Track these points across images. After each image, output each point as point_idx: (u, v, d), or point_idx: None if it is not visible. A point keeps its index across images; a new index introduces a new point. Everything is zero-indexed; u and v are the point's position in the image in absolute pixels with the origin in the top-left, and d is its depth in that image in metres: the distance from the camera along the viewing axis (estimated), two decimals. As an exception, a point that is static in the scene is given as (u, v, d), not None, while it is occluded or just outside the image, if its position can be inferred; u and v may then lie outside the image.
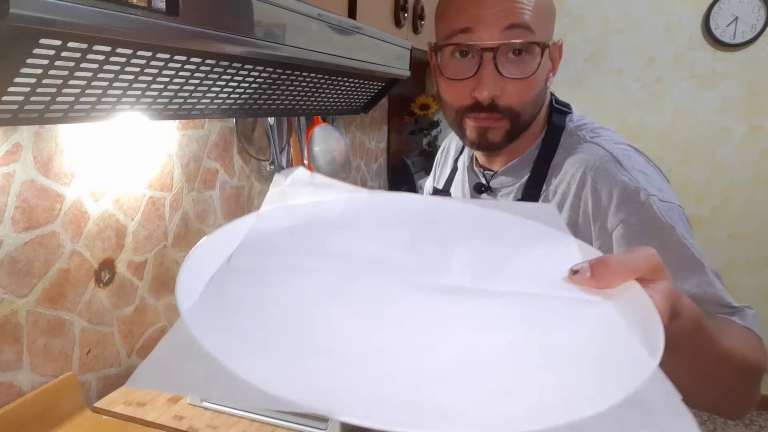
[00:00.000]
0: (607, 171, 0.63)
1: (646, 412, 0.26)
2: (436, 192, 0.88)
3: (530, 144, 0.71)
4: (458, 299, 0.35)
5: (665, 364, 0.49)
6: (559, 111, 0.73)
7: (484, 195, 0.76)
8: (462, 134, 0.69)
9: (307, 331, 0.32)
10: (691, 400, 0.54)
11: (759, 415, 2.42)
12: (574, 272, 0.36)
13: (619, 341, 0.31)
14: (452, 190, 0.83)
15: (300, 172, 0.51)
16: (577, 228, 0.65)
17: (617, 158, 0.64)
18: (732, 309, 0.58)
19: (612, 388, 0.27)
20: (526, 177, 0.70)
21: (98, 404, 0.89)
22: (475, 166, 0.78)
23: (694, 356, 0.46)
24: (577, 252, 0.41)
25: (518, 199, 0.70)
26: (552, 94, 0.75)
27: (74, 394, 0.88)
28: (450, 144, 0.93)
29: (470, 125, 0.66)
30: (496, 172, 0.74)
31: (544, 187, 0.68)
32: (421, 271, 0.38)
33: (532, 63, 0.63)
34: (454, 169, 0.85)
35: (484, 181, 0.76)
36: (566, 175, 0.66)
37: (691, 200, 2.37)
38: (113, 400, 0.90)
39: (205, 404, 0.88)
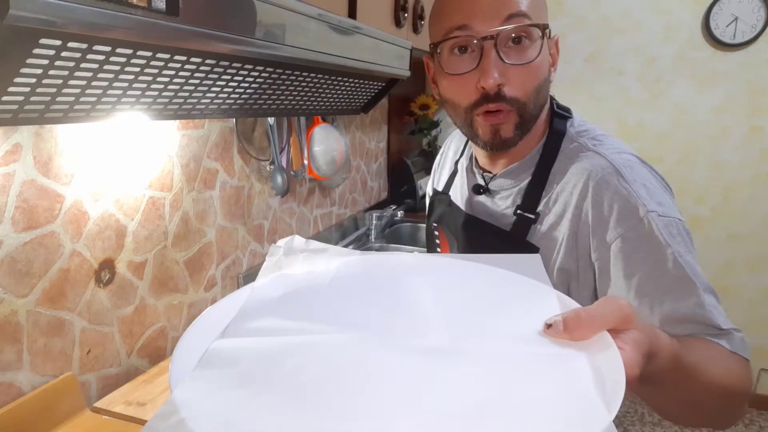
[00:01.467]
0: (609, 183, 0.63)
1: None
2: (435, 194, 0.87)
3: (531, 148, 0.71)
4: (435, 360, 0.38)
5: (649, 397, 0.51)
6: (559, 116, 0.72)
7: (482, 197, 0.76)
8: (474, 135, 0.68)
9: (295, 407, 0.34)
10: (675, 421, 0.55)
11: (759, 415, 2.42)
12: (548, 326, 0.38)
13: (582, 397, 0.33)
14: (452, 192, 0.83)
15: (296, 241, 0.54)
16: (577, 239, 0.64)
17: (619, 170, 0.63)
18: (720, 331, 0.59)
19: None
20: (527, 181, 0.70)
21: (98, 404, 0.89)
22: (474, 168, 0.78)
23: (677, 388, 0.49)
24: (555, 305, 0.43)
25: (518, 204, 0.70)
26: (552, 98, 0.74)
27: (74, 394, 0.88)
28: (449, 146, 0.92)
29: (481, 124, 0.66)
30: (495, 175, 0.74)
31: (544, 193, 0.68)
32: (403, 334, 0.42)
33: (534, 48, 0.62)
34: (454, 172, 0.85)
35: (482, 183, 0.75)
36: (568, 184, 0.66)
37: (691, 200, 2.37)
38: (113, 400, 0.90)
39: (205, 404, 0.88)
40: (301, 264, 0.52)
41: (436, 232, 0.85)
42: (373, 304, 0.46)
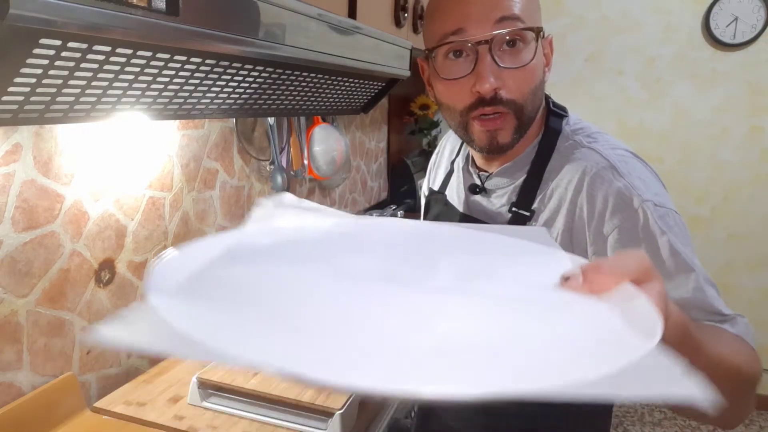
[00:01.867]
0: (603, 177, 0.63)
1: (648, 378, 0.26)
2: (432, 193, 0.87)
3: (527, 146, 0.71)
4: (446, 295, 0.35)
5: None
6: (555, 114, 0.72)
7: (478, 196, 0.76)
8: (470, 139, 0.68)
9: (278, 302, 0.32)
10: (682, 410, 0.54)
11: (759, 415, 2.42)
12: (566, 279, 0.36)
13: (615, 328, 0.31)
14: (448, 191, 0.83)
15: (287, 197, 0.50)
16: (572, 234, 0.65)
17: (614, 164, 0.64)
18: (723, 317, 0.58)
19: (609, 360, 0.26)
20: (522, 179, 0.70)
21: (98, 404, 0.89)
22: (470, 167, 0.78)
23: (685, 360, 0.46)
24: (568, 263, 0.41)
25: (513, 202, 0.70)
26: (548, 97, 0.75)
27: (74, 394, 0.88)
28: (445, 146, 0.92)
29: (478, 129, 0.65)
30: (491, 174, 0.74)
31: (539, 190, 0.68)
32: (409, 276, 0.38)
33: (528, 51, 0.62)
34: (451, 171, 0.85)
35: (478, 182, 0.76)
36: (563, 180, 0.66)
37: (691, 200, 2.37)
38: (113, 400, 0.90)
39: (205, 404, 0.88)
40: (291, 218, 0.48)
41: None
42: (374, 255, 0.42)
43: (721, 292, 0.62)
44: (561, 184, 0.66)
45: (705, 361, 0.47)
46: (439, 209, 0.83)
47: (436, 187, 0.87)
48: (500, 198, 0.73)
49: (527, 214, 0.68)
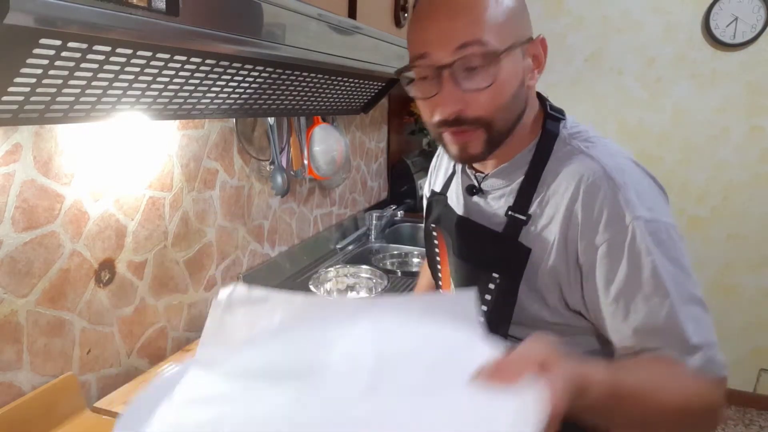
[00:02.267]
0: (599, 187, 0.63)
1: None
2: (433, 195, 0.88)
3: (522, 148, 0.71)
4: (357, 404, 0.41)
5: (595, 421, 0.53)
6: (552, 117, 0.72)
7: (475, 197, 0.76)
8: (445, 148, 0.70)
9: None
10: None
11: (759, 414, 2.42)
12: (477, 373, 0.40)
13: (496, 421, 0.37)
14: (449, 193, 0.83)
15: (237, 292, 0.55)
16: (567, 241, 0.65)
17: (610, 173, 0.64)
18: (688, 348, 0.59)
19: None
20: (519, 181, 0.70)
21: (98, 404, 0.90)
22: (467, 168, 0.79)
23: (621, 413, 0.51)
24: (483, 349, 0.45)
25: (510, 205, 0.70)
26: (546, 99, 0.74)
27: (74, 394, 0.88)
28: None
29: (449, 139, 0.67)
30: (486, 174, 0.74)
31: (536, 194, 0.69)
32: (332, 387, 0.44)
33: (490, 72, 0.63)
34: (453, 173, 0.85)
35: (475, 183, 0.76)
36: (560, 186, 0.67)
37: (691, 200, 2.37)
38: (113, 400, 0.90)
39: (205, 404, 0.88)
40: (242, 322, 0.54)
41: (434, 233, 0.86)
42: (309, 362, 0.48)
43: (721, 293, 0.62)
44: (558, 191, 0.67)
45: (642, 406, 0.52)
46: (440, 210, 0.83)
47: (438, 189, 0.87)
48: (497, 200, 0.73)
49: (524, 218, 0.68)
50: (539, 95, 0.74)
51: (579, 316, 0.68)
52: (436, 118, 0.65)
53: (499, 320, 0.71)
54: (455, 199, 0.81)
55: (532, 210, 0.68)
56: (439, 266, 0.86)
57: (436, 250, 0.86)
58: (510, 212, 0.70)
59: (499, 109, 0.65)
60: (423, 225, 0.93)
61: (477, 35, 0.61)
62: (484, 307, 0.73)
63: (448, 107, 0.63)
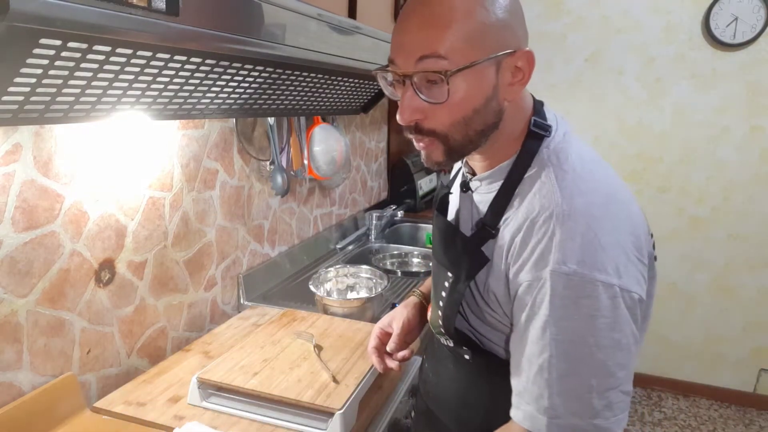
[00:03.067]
0: (537, 228, 0.63)
1: None
2: (443, 188, 0.90)
3: (507, 157, 0.71)
4: None
5: None
6: (535, 135, 0.70)
7: (467, 194, 0.79)
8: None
9: None
10: None
11: (759, 414, 2.42)
12: None
13: None
14: (453, 188, 0.85)
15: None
16: (506, 265, 0.66)
17: (559, 216, 0.61)
18: (543, 412, 0.61)
19: None
20: (494, 194, 0.72)
21: (98, 404, 0.90)
22: (464, 166, 0.80)
23: None
24: None
25: (490, 205, 0.72)
26: (537, 111, 0.72)
27: (74, 394, 0.88)
28: None
29: (415, 144, 0.70)
30: (474, 176, 0.77)
31: (506, 211, 0.69)
32: None
33: (444, 89, 0.62)
34: (459, 168, 0.87)
35: (467, 180, 0.79)
36: (517, 214, 0.67)
37: (691, 200, 2.37)
38: (113, 400, 0.90)
39: (205, 404, 0.88)
40: None
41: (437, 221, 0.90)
42: None
43: (721, 293, 0.63)
44: (516, 218, 0.67)
45: None
46: (442, 201, 0.86)
47: (445, 182, 0.91)
48: (480, 203, 0.75)
49: (493, 231, 0.69)
50: (537, 104, 0.73)
51: None
52: (399, 122, 0.67)
53: (451, 314, 0.75)
54: (455, 194, 0.83)
55: (500, 225, 0.69)
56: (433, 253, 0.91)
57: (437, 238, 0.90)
58: (482, 223, 0.71)
59: (455, 124, 0.65)
60: (423, 224, 0.95)
61: (436, 49, 0.60)
62: (441, 302, 0.77)
63: (405, 115, 0.65)
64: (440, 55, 0.61)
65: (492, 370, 0.74)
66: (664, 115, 2.35)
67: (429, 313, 0.89)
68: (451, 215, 0.81)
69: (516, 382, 0.66)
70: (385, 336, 0.91)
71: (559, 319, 0.59)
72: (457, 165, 0.91)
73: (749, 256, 2.33)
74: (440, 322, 0.78)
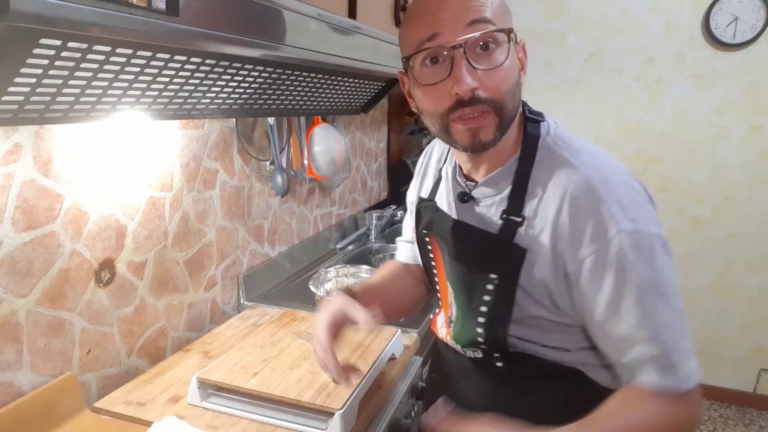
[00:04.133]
0: (583, 200, 0.64)
1: None
2: (421, 201, 0.87)
3: (509, 156, 0.72)
4: None
5: None
6: (532, 120, 0.73)
7: (467, 204, 0.77)
8: (452, 141, 0.69)
9: None
10: None
11: (759, 415, 2.42)
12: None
13: None
14: (437, 198, 0.83)
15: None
16: (555, 252, 0.66)
17: (593, 187, 0.64)
18: (662, 362, 0.62)
19: None
20: (508, 189, 0.71)
21: (98, 404, 0.90)
22: (458, 176, 0.79)
23: None
24: None
25: (503, 209, 0.71)
26: (524, 104, 0.75)
27: (74, 394, 0.88)
28: (431, 152, 0.92)
29: (459, 129, 0.67)
30: (477, 183, 0.75)
31: (527, 198, 0.70)
32: None
33: (501, 52, 0.64)
34: (439, 179, 0.85)
35: (467, 191, 0.77)
36: (548, 198, 0.67)
37: (691, 200, 2.37)
38: (113, 400, 0.90)
39: (205, 404, 0.88)
40: None
41: (427, 239, 0.86)
42: None
43: (721, 293, 0.64)
44: (547, 202, 0.67)
45: None
46: (431, 216, 0.83)
47: (425, 195, 0.87)
48: (488, 208, 0.74)
49: (518, 219, 0.69)
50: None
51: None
52: (449, 102, 0.64)
53: (499, 320, 0.72)
54: (446, 205, 0.81)
55: (524, 212, 0.69)
56: (435, 271, 0.86)
57: (431, 255, 0.86)
58: (505, 215, 0.70)
59: (508, 92, 0.65)
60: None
61: (484, 14, 0.63)
62: (484, 308, 0.73)
63: (464, 84, 0.62)
64: (489, 19, 0.63)
65: (526, 373, 0.73)
66: (664, 115, 2.35)
67: (443, 329, 0.85)
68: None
69: (614, 350, 0.66)
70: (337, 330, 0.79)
71: (638, 276, 0.62)
72: (430, 175, 0.89)
73: (749, 256, 2.33)
74: (480, 334, 0.74)
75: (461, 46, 0.62)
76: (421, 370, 1.16)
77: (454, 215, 0.78)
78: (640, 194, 0.67)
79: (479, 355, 0.77)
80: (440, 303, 0.86)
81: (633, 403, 0.63)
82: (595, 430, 0.62)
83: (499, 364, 0.75)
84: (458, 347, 0.81)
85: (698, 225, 2.38)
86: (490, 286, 0.71)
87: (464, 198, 0.77)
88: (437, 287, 0.87)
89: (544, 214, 0.67)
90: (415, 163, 0.97)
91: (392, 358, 1.05)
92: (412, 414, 1.10)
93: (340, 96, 1.34)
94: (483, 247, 0.72)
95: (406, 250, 1.00)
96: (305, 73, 1.04)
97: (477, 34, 0.62)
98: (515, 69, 0.67)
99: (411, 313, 0.97)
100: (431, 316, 0.90)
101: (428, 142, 2.60)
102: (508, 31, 0.64)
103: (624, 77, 2.37)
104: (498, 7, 0.65)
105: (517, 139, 0.73)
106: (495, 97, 0.64)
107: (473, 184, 0.76)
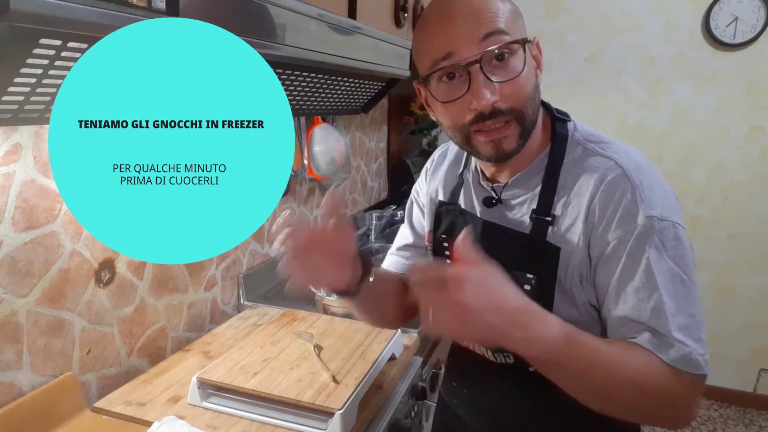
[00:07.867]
0: (617, 186, 0.65)
1: None
2: (442, 205, 0.85)
3: (535, 154, 0.72)
4: None
5: (557, 379, 0.58)
6: (560, 120, 0.74)
7: (494, 208, 0.76)
8: (475, 151, 0.69)
9: None
10: (591, 406, 0.59)
11: (759, 415, 2.42)
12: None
13: None
14: (460, 202, 0.82)
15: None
16: (589, 240, 0.67)
17: (628, 173, 0.65)
18: (667, 341, 0.61)
19: None
20: (539, 187, 0.71)
21: (98, 404, 0.89)
22: (481, 181, 0.78)
23: (574, 370, 0.57)
24: None
25: (534, 209, 0.71)
26: (548, 104, 0.75)
27: (74, 394, 0.88)
28: (445, 154, 0.90)
29: (481, 141, 0.67)
30: (505, 184, 0.74)
31: (557, 197, 0.70)
32: None
33: (517, 61, 0.64)
34: (460, 183, 0.84)
35: (494, 195, 0.76)
36: (581, 188, 0.68)
37: (691, 200, 2.37)
38: (113, 400, 0.90)
39: (205, 404, 0.88)
40: None
41: (446, 244, 0.84)
42: None
43: (721, 293, 0.63)
44: (580, 192, 0.68)
45: (596, 369, 0.57)
46: (452, 219, 0.82)
47: (446, 198, 0.86)
48: (519, 207, 0.73)
49: (548, 219, 0.69)
50: (542, 101, 0.74)
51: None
52: (469, 116, 0.65)
53: None
54: (471, 209, 0.80)
55: (555, 211, 0.69)
56: None
57: (448, 261, 0.85)
58: (535, 215, 0.70)
59: (527, 99, 0.66)
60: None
61: (498, 25, 0.63)
62: None
63: (484, 99, 0.63)
64: (503, 30, 0.63)
65: None
66: (664, 115, 2.35)
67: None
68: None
69: (622, 328, 0.64)
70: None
71: (662, 260, 0.62)
72: (445, 179, 0.86)
73: (749, 256, 2.33)
74: None
75: (477, 61, 0.62)
76: (421, 370, 1.16)
77: (483, 217, 0.78)
78: (667, 185, 0.68)
79: (510, 360, 0.76)
80: None
81: (641, 355, 0.61)
82: (601, 352, 0.59)
83: (531, 368, 0.73)
84: (488, 353, 0.80)
85: (698, 225, 2.38)
86: (527, 287, 0.70)
87: (491, 202, 0.76)
88: None
89: (578, 204, 0.67)
90: (415, 164, 0.96)
91: (392, 358, 1.05)
92: (412, 414, 1.10)
93: (340, 96, 1.34)
94: (517, 248, 0.72)
95: (398, 262, 0.94)
96: (305, 73, 1.04)
97: (492, 48, 0.62)
98: (532, 73, 0.67)
99: (393, 324, 0.93)
100: None
101: (428, 143, 2.61)
102: (523, 42, 0.64)
103: (624, 77, 2.37)
104: (510, 14, 0.65)
105: (543, 139, 0.73)
106: (515, 105, 0.64)
107: (500, 185, 0.75)
